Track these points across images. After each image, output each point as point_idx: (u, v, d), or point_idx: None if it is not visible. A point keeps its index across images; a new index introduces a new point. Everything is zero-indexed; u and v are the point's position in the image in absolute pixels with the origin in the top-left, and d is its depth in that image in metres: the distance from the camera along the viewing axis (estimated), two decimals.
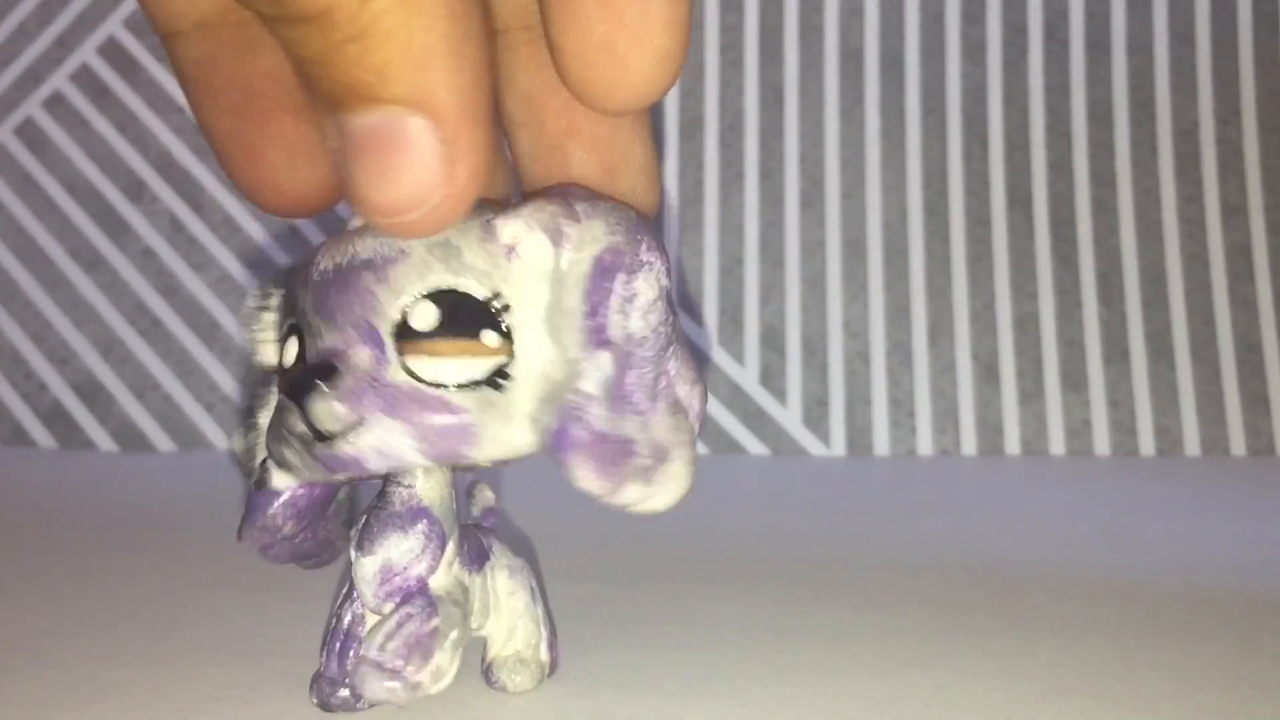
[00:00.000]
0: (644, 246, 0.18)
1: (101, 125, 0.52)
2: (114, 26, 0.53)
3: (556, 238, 0.18)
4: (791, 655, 0.23)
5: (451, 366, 0.18)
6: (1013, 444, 0.48)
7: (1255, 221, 0.50)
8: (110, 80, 0.52)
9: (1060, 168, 0.51)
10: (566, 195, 0.18)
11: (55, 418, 0.49)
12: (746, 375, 0.49)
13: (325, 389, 0.17)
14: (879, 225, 0.51)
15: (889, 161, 0.51)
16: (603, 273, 0.18)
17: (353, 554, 0.19)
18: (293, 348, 0.19)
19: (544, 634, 0.21)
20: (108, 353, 0.50)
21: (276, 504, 0.20)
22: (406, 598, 0.19)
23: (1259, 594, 0.27)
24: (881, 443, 0.48)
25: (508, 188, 0.20)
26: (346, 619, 0.19)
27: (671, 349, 0.19)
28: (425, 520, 0.19)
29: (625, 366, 0.18)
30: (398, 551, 0.19)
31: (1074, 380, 0.49)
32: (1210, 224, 0.51)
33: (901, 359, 0.49)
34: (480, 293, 0.18)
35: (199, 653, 0.23)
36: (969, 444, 0.48)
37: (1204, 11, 0.52)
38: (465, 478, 0.22)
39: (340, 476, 0.18)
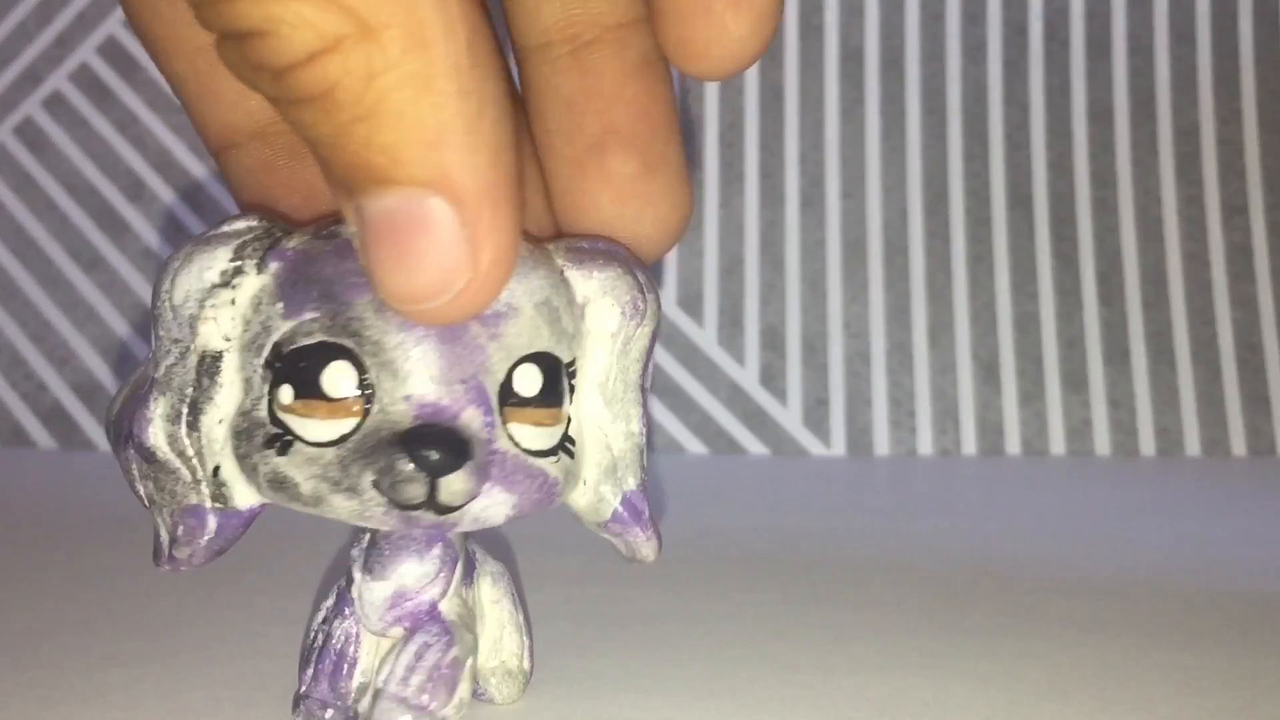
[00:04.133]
0: (652, 299, 0.19)
1: (101, 125, 0.52)
2: (114, 26, 0.53)
3: (631, 311, 0.18)
4: (791, 655, 0.23)
5: (548, 435, 0.17)
6: (1013, 444, 0.48)
7: (1256, 221, 0.50)
8: (110, 80, 0.52)
9: (1060, 168, 0.51)
10: (620, 256, 0.18)
11: (55, 418, 0.49)
12: (746, 375, 0.49)
13: (469, 468, 0.16)
14: (879, 225, 0.51)
15: (889, 161, 0.51)
16: (653, 345, 0.18)
17: (358, 576, 0.18)
18: (345, 376, 0.16)
19: (526, 643, 0.21)
20: (108, 353, 0.50)
21: (240, 523, 0.18)
22: (416, 623, 0.18)
23: (1259, 594, 0.27)
24: (881, 443, 0.48)
25: (545, 217, 0.20)
26: (338, 638, 0.19)
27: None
28: (441, 544, 0.18)
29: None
30: (412, 578, 0.18)
31: (1074, 380, 0.49)
32: (1211, 224, 0.51)
33: (901, 359, 0.49)
34: (566, 358, 0.18)
35: (199, 653, 0.23)
36: (969, 444, 0.48)
37: (1204, 11, 0.52)
38: None
39: (404, 531, 0.17)
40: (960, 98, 0.52)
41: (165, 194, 0.51)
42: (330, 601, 0.19)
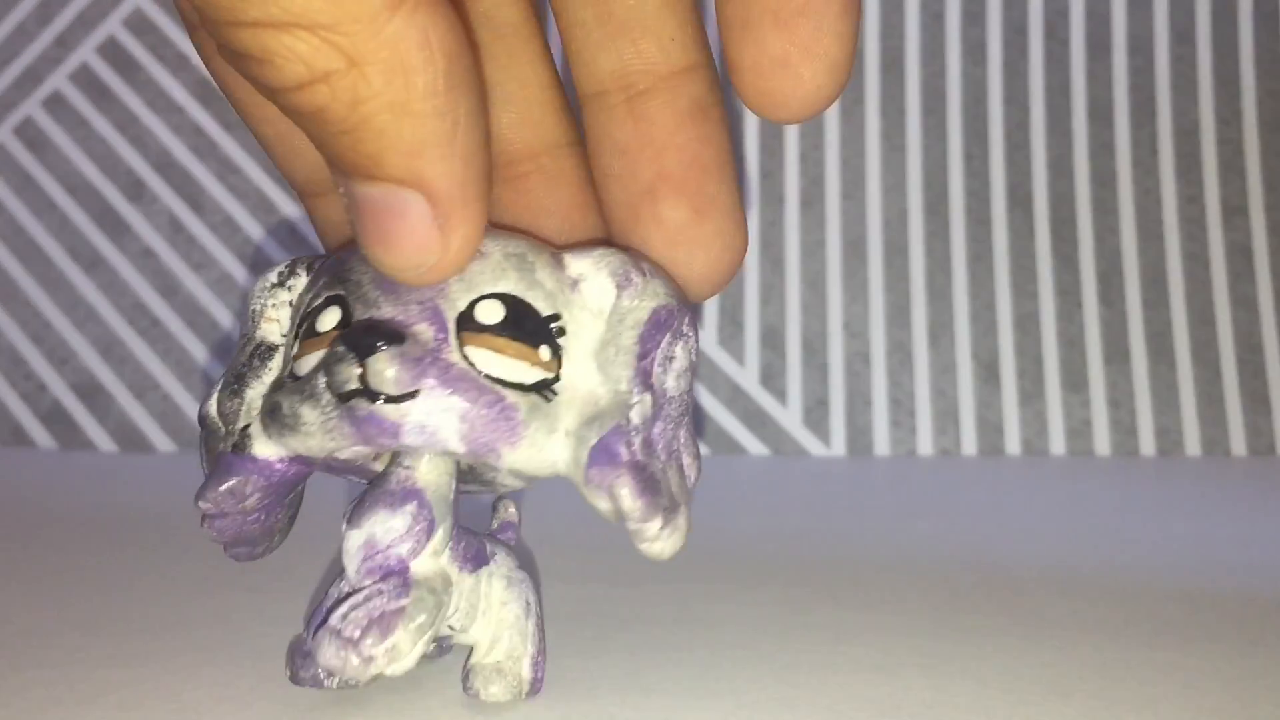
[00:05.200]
0: (688, 320, 0.20)
1: (101, 125, 0.52)
2: (114, 26, 0.53)
3: (623, 283, 0.19)
4: (791, 656, 0.23)
5: (507, 365, 0.18)
6: (1013, 444, 0.48)
7: (1256, 221, 0.50)
8: (110, 80, 0.52)
9: (1060, 168, 0.51)
10: (634, 253, 0.20)
11: (55, 418, 0.49)
12: (746, 375, 0.49)
13: (393, 349, 0.17)
14: (879, 225, 0.51)
15: (889, 161, 0.51)
16: (656, 325, 0.19)
17: (343, 528, 0.19)
18: (332, 315, 0.19)
19: (530, 650, 0.21)
20: (107, 353, 0.50)
21: (253, 470, 0.19)
22: (385, 576, 0.19)
23: (1259, 594, 0.27)
24: (881, 443, 0.48)
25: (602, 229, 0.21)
26: (331, 596, 0.19)
27: (686, 420, 0.20)
28: (415, 502, 0.19)
29: (655, 416, 0.19)
30: (383, 528, 0.19)
31: (1074, 380, 0.49)
32: (1211, 224, 0.51)
33: (901, 359, 0.49)
34: (543, 309, 0.19)
35: (199, 653, 0.23)
36: (969, 444, 0.48)
37: (1204, 11, 0.52)
38: (489, 497, 0.22)
39: (361, 447, 0.18)
40: (960, 98, 0.52)
41: (165, 194, 0.51)
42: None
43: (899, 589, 0.28)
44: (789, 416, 0.49)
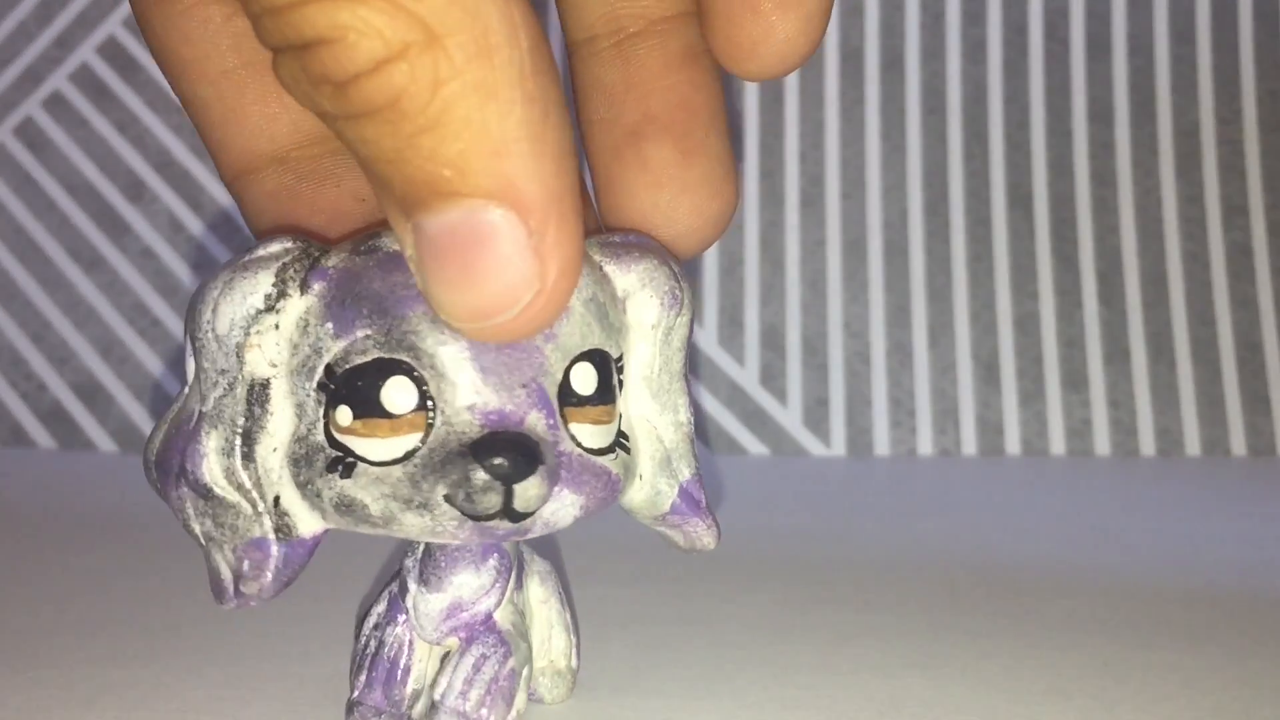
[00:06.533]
0: (688, 298, 0.19)
1: (101, 125, 0.52)
2: (114, 26, 0.53)
3: (671, 301, 0.18)
4: (792, 656, 0.23)
5: (602, 433, 0.17)
6: (1013, 444, 0.48)
7: (1256, 221, 0.50)
8: (110, 80, 0.52)
9: (1060, 168, 0.51)
10: (653, 248, 0.18)
11: (55, 418, 0.49)
12: (746, 375, 0.49)
13: (542, 471, 0.16)
14: (879, 225, 0.51)
15: (889, 161, 0.51)
16: (690, 336, 0.19)
17: (412, 586, 0.18)
18: (403, 391, 0.16)
19: (573, 640, 0.20)
20: (108, 353, 0.50)
21: (304, 554, 0.17)
22: (471, 633, 0.18)
23: (1259, 594, 0.27)
24: (881, 443, 0.48)
25: (592, 219, 0.20)
26: (391, 645, 0.18)
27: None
28: (497, 555, 0.18)
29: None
30: (469, 589, 0.18)
31: (1074, 380, 0.49)
32: (1211, 224, 0.51)
33: (901, 359, 0.49)
34: (616, 353, 0.18)
35: (199, 653, 0.23)
36: (969, 444, 0.48)
37: (1204, 11, 0.52)
38: None
39: (476, 543, 0.17)
40: (960, 98, 0.52)
41: (165, 194, 0.51)
42: (381, 607, 0.19)
43: (899, 589, 0.28)
44: (789, 416, 0.49)
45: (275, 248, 0.17)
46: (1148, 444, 0.48)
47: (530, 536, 0.17)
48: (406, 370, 0.16)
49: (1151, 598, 0.27)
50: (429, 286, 0.15)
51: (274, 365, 0.17)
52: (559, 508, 0.17)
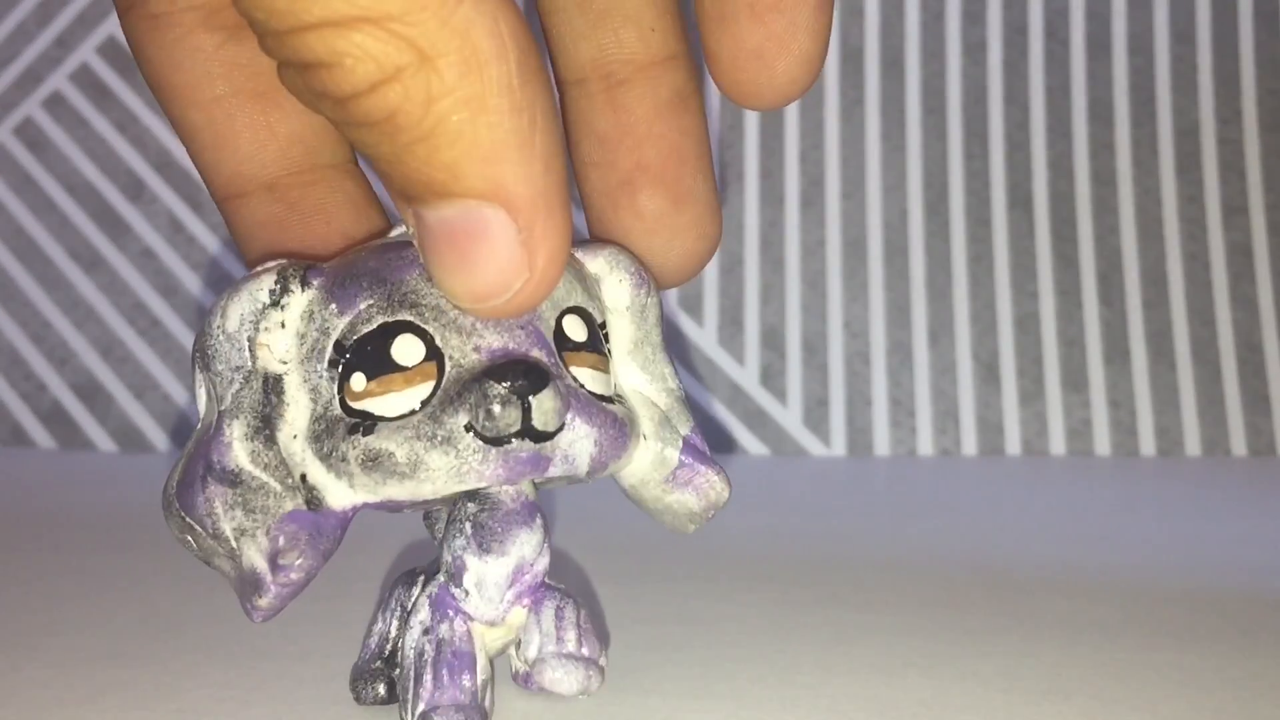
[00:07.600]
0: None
1: (101, 125, 0.52)
2: (114, 26, 0.53)
3: (638, 281, 0.19)
4: (791, 656, 0.23)
5: (599, 380, 0.18)
6: (1013, 444, 0.48)
7: (1256, 221, 0.50)
8: (110, 80, 0.52)
9: (1060, 168, 0.51)
10: (611, 242, 0.20)
11: (55, 418, 0.49)
12: (746, 375, 0.49)
13: (555, 385, 0.16)
14: (879, 225, 0.51)
15: (889, 161, 0.51)
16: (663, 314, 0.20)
17: (473, 562, 0.18)
18: (411, 346, 0.17)
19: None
20: (107, 353, 0.50)
21: (337, 525, 0.17)
22: (535, 595, 0.18)
23: (1259, 594, 0.27)
24: (881, 443, 0.48)
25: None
26: (450, 641, 0.18)
27: None
28: (540, 515, 0.18)
29: None
30: (529, 547, 0.18)
31: (1074, 380, 0.49)
32: (1211, 224, 0.51)
33: (901, 359, 0.49)
34: (599, 318, 0.19)
35: (199, 653, 0.23)
36: (969, 444, 0.48)
37: (1204, 11, 0.52)
38: None
39: (495, 486, 0.17)
40: (960, 98, 0.52)
41: (165, 194, 0.51)
42: (424, 615, 0.18)
43: (899, 589, 0.28)
44: (789, 416, 0.49)
45: (274, 263, 0.18)
46: (1148, 444, 0.48)
47: (552, 477, 0.17)
48: (412, 327, 0.17)
49: (1151, 598, 0.27)
50: (432, 268, 0.16)
51: (284, 362, 0.17)
52: (575, 439, 0.17)
